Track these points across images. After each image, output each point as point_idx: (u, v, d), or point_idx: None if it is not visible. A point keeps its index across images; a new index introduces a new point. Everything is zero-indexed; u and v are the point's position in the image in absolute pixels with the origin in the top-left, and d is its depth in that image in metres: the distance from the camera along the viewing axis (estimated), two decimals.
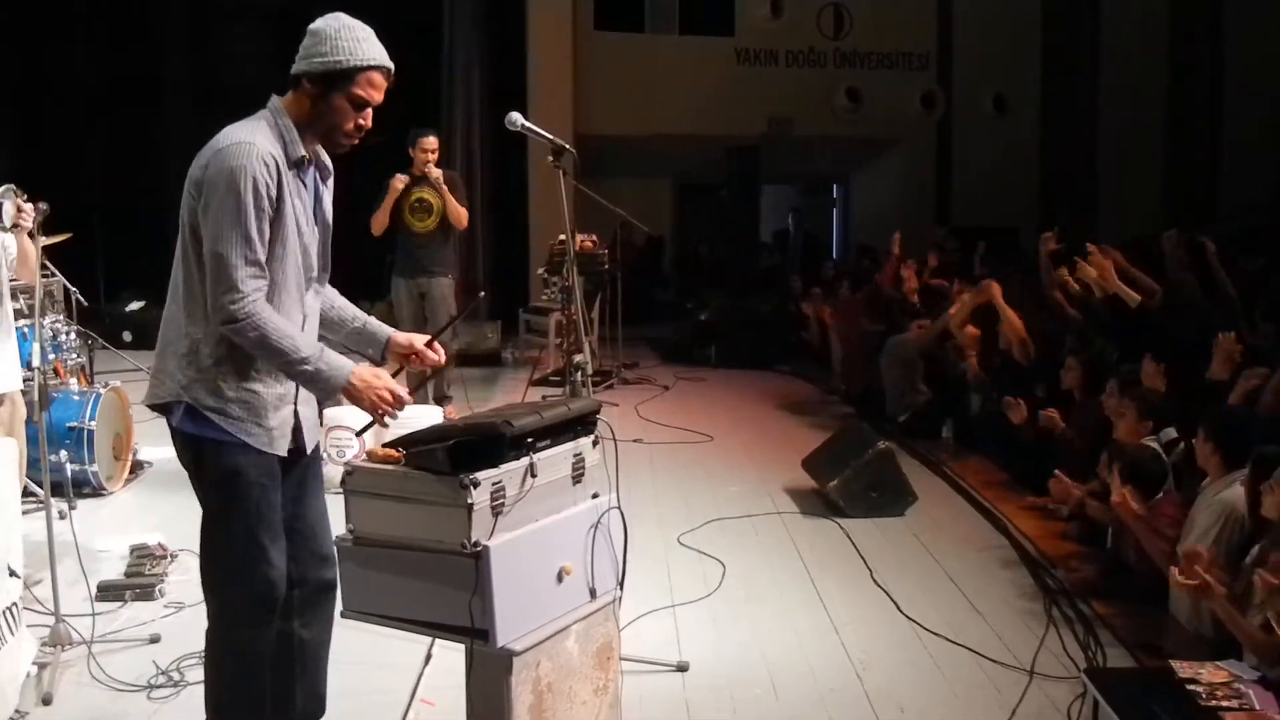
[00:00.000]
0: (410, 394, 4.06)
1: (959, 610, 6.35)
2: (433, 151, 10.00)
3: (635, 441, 10.18)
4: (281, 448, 4.08)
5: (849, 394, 12.04)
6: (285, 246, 3.95)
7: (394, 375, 4.35)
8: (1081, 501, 7.01)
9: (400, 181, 9.91)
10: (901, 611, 6.28)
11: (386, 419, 3.98)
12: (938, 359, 10.64)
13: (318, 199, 4.18)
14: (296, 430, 4.15)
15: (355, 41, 3.91)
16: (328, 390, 3.93)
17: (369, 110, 4.01)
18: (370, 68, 3.93)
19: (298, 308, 4.06)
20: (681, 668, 5.50)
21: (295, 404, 4.12)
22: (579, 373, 5.41)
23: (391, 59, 3.98)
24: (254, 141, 3.84)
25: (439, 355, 4.27)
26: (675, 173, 20.91)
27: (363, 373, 3.92)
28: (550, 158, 5.23)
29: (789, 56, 19.51)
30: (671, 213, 21.27)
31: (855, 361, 12.18)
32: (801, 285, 16.48)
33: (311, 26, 3.96)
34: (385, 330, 4.37)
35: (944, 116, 20.16)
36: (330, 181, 4.27)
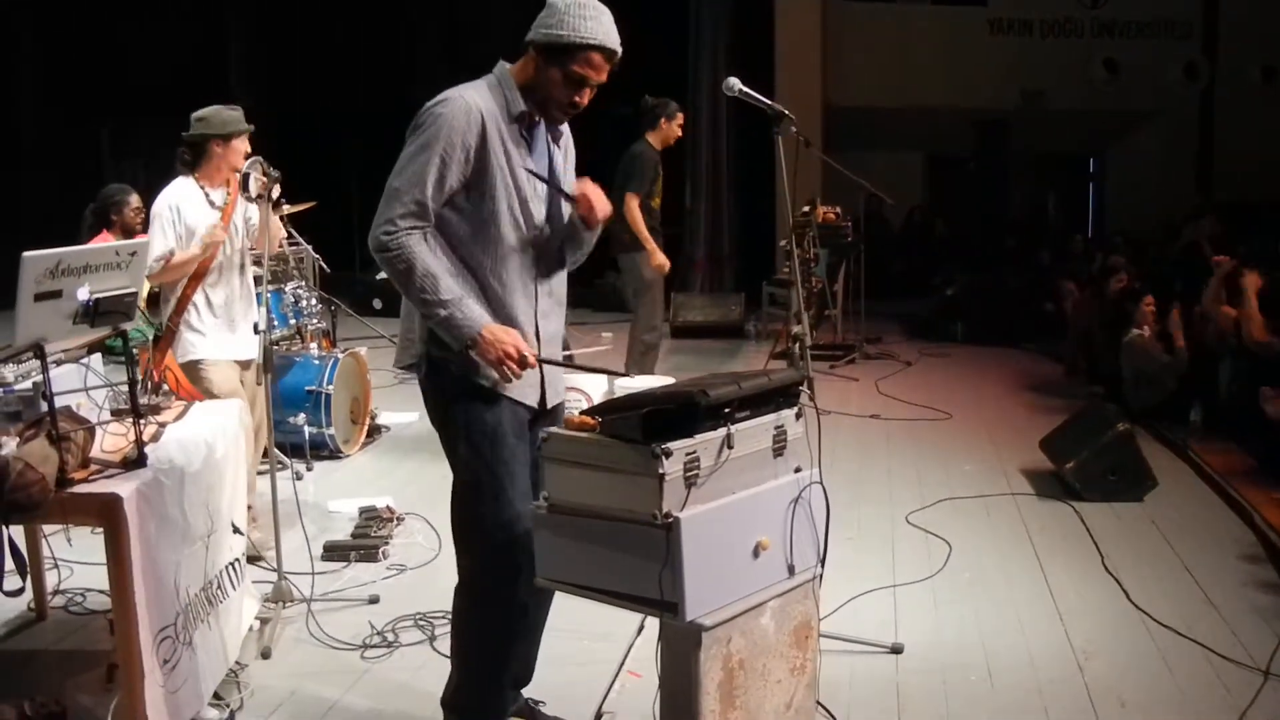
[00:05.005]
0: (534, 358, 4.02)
1: (1193, 603, 6.05)
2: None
3: (872, 417, 10.10)
4: (525, 394, 4.10)
5: (1095, 373, 11.64)
6: (495, 198, 3.99)
7: None
8: None
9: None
10: (1131, 600, 6.02)
11: (511, 375, 3.95)
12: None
13: (552, 160, 4.20)
14: (542, 380, 4.18)
15: (582, 19, 3.92)
16: (458, 338, 3.90)
17: (586, 89, 4.02)
18: (591, 47, 3.93)
19: (522, 268, 4.10)
20: (896, 649, 5.38)
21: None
22: (797, 344, 5.32)
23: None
24: (462, 94, 3.96)
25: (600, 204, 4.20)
26: (926, 145, 20.57)
27: (494, 328, 3.92)
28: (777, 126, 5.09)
29: (1044, 26, 18.95)
30: (922, 186, 20.92)
31: (1094, 348, 11.74)
32: (1050, 261, 16.07)
33: None
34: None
35: (1207, 88, 19.26)
36: (564, 142, 4.31)
